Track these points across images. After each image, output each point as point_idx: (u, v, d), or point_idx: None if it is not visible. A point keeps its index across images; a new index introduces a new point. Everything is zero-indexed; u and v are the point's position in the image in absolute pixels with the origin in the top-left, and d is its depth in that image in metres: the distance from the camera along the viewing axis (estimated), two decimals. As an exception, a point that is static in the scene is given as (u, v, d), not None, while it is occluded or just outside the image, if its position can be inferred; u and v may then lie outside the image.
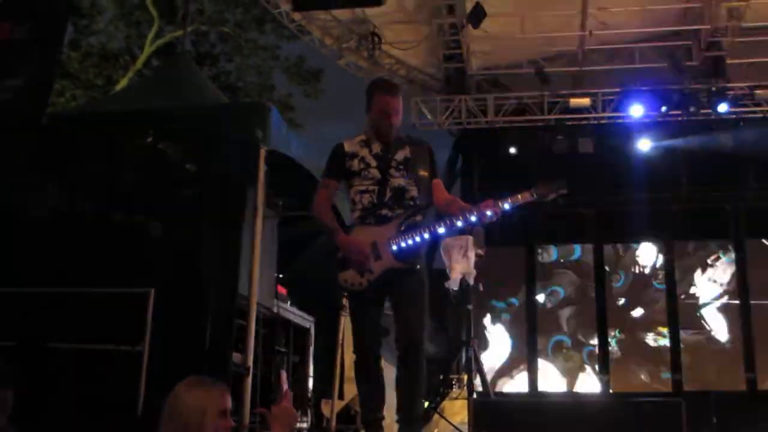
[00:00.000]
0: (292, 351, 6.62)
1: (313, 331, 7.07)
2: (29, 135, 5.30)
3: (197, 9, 16.53)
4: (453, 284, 7.76)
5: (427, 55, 13.35)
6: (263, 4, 12.57)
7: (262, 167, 4.96)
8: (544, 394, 12.63)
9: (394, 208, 3.95)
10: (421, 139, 4.30)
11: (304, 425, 6.58)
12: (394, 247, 3.86)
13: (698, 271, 13.07)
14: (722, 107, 11.92)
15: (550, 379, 13.02)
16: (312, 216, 4.19)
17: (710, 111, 12.01)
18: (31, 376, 4.59)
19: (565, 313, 13.34)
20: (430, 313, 4.04)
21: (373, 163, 4.01)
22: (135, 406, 4.44)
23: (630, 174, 12.71)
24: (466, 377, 8.47)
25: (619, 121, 12.62)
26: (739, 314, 12.59)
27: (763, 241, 12.97)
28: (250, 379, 4.69)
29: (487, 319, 13.26)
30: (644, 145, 12.68)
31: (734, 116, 12.30)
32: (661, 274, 13.14)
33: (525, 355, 13.17)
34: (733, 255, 12.88)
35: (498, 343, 13.30)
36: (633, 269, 13.35)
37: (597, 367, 12.87)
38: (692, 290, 12.99)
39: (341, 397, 7.47)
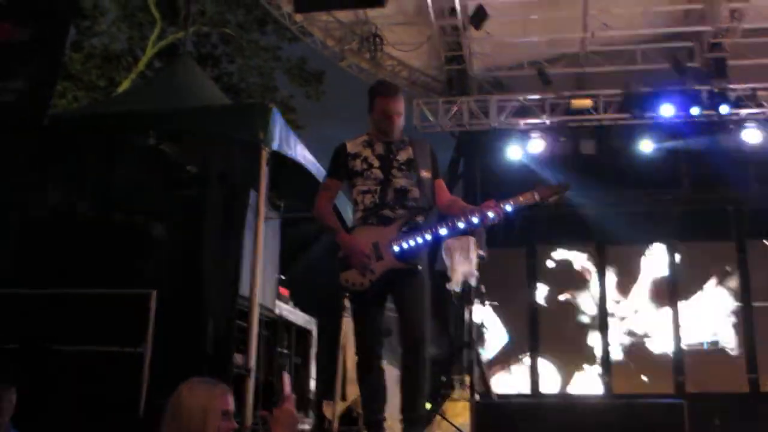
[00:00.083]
0: (294, 352, 6.62)
1: (315, 333, 7.07)
2: (30, 135, 5.30)
3: (199, 10, 16.53)
4: (455, 286, 7.76)
5: (429, 56, 13.36)
6: (265, 6, 12.59)
7: (264, 168, 4.96)
8: (545, 396, 12.62)
9: (396, 209, 3.95)
10: (424, 139, 4.30)
11: (306, 427, 6.58)
12: (396, 248, 3.86)
13: (700, 272, 13.06)
14: (724, 108, 11.91)
15: (552, 380, 13.01)
16: (314, 217, 4.20)
17: (712, 112, 12.00)
18: (34, 378, 4.60)
19: (567, 314, 13.32)
20: (432, 315, 4.03)
21: (376, 163, 4.01)
22: (137, 407, 4.44)
23: (632, 175, 12.71)
24: (467, 379, 8.46)
25: (621, 122, 12.61)
26: (742, 315, 12.58)
27: (765, 242, 12.94)
28: (252, 381, 4.69)
29: (488, 321, 13.24)
30: (646, 146, 12.68)
31: (736, 117, 12.29)
32: (662, 275, 13.13)
33: (527, 357, 13.16)
34: (735, 256, 12.86)
35: (499, 344, 13.30)
36: (634, 270, 13.33)
37: (599, 368, 12.86)
38: (694, 291, 12.97)
39: (343, 398, 7.46)
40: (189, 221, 5.21)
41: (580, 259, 13.55)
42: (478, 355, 7.98)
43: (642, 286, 13.22)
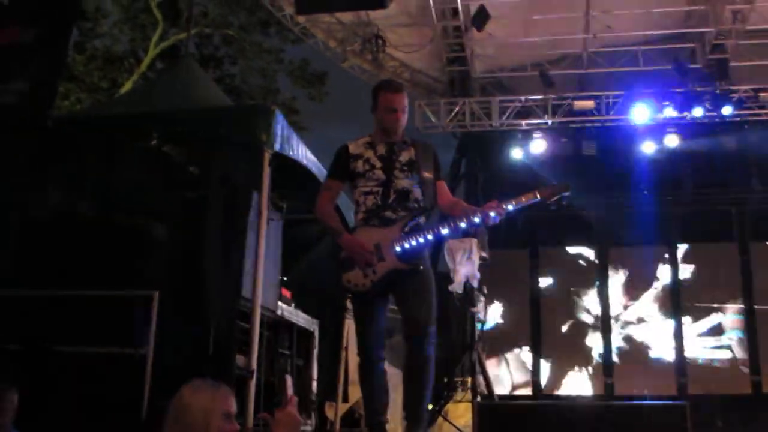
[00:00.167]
0: (296, 354, 6.61)
1: (317, 334, 7.07)
2: (30, 135, 5.30)
3: (201, 12, 16.55)
4: (457, 287, 7.76)
5: (431, 58, 13.36)
6: (267, 7, 12.59)
7: (266, 170, 4.96)
8: (547, 397, 12.61)
9: (398, 210, 3.95)
10: (426, 140, 4.31)
11: (308, 428, 6.57)
12: (398, 249, 3.86)
13: (702, 274, 13.04)
14: (726, 110, 11.91)
15: (554, 381, 13.00)
16: (316, 218, 4.20)
17: (714, 113, 12.00)
18: (35, 379, 4.60)
19: (569, 315, 13.32)
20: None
21: (378, 164, 4.01)
22: (139, 408, 4.44)
23: (634, 176, 12.71)
24: (470, 380, 8.46)
25: (623, 123, 12.61)
26: (744, 316, 12.56)
27: (768, 243, 12.95)
28: (254, 382, 4.69)
29: (490, 322, 13.23)
30: (648, 147, 12.67)
31: (738, 119, 12.28)
32: (664, 277, 13.12)
33: (529, 357, 13.16)
34: (737, 257, 12.85)
35: (501, 345, 13.29)
36: (636, 272, 13.33)
37: (601, 369, 12.84)
38: (696, 293, 12.95)
39: (345, 399, 7.46)
40: (191, 222, 5.20)
41: (582, 260, 13.55)
42: (480, 356, 7.97)
43: (644, 287, 13.22)
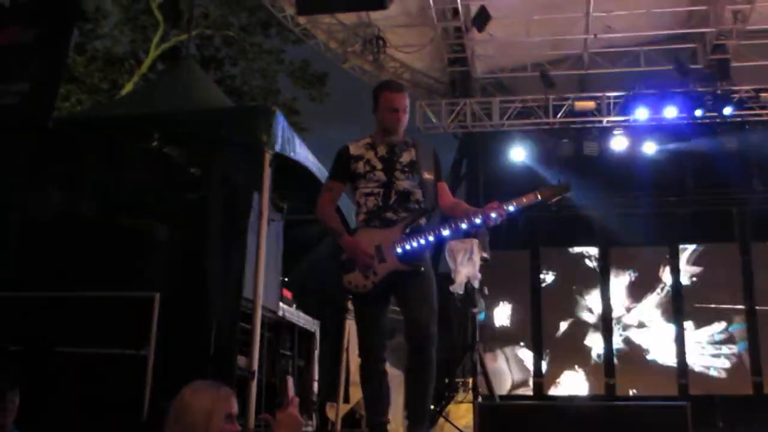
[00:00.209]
0: (297, 355, 6.60)
1: (318, 335, 7.06)
2: (30, 135, 5.30)
3: (202, 13, 16.56)
4: (458, 288, 7.75)
5: (432, 58, 13.37)
6: (268, 8, 12.60)
7: (267, 171, 4.96)
8: (549, 398, 12.60)
9: (399, 212, 3.95)
10: (427, 141, 4.30)
11: (310, 429, 6.57)
12: (399, 250, 3.86)
13: (703, 274, 13.03)
14: (727, 110, 11.90)
15: (556, 381, 12.99)
16: (316, 219, 4.19)
17: (715, 114, 12.00)
18: (37, 380, 4.60)
19: (570, 315, 13.31)
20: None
21: (379, 165, 4.01)
22: (140, 409, 4.44)
23: (635, 177, 12.71)
24: (471, 381, 8.45)
25: (625, 124, 12.61)
26: (745, 317, 12.55)
27: (769, 244, 12.94)
28: (255, 383, 4.68)
29: (491, 323, 13.23)
30: (649, 148, 12.67)
31: (739, 119, 12.28)
32: (665, 277, 13.11)
33: (530, 358, 13.15)
34: (738, 258, 12.84)
35: (502, 346, 13.28)
36: (637, 272, 13.32)
37: (602, 369, 12.83)
38: (697, 293, 12.94)
39: (347, 400, 7.45)
40: (192, 223, 5.19)
41: (583, 261, 13.54)
42: (481, 357, 7.96)
43: (646, 288, 13.21)
